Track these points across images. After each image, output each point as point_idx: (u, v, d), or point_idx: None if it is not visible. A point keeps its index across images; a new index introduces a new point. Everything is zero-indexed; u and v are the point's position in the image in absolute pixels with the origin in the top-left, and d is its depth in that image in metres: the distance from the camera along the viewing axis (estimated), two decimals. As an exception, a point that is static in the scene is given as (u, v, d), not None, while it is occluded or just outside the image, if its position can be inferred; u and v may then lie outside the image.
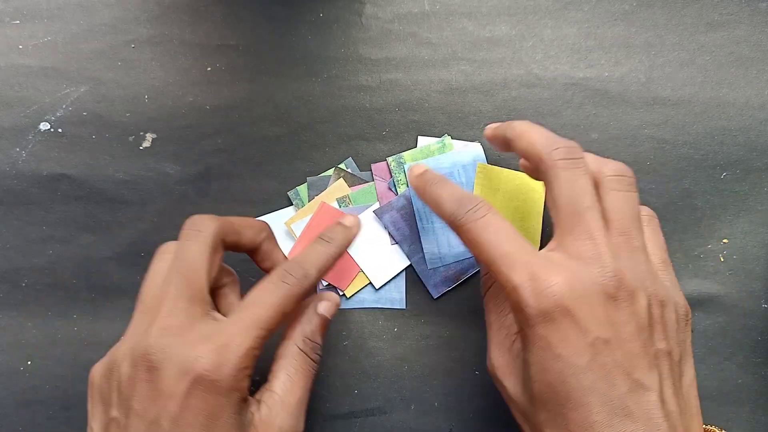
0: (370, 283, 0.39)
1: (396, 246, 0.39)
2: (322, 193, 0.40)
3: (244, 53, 0.41)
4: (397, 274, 0.39)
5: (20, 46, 0.41)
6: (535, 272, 0.26)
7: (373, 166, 0.40)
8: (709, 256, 0.39)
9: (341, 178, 0.40)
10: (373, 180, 0.40)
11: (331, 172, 0.40)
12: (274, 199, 0.40)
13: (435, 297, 0.39)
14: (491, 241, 0.28)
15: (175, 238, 0.40)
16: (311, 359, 0.30)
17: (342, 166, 0.40)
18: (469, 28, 0.41)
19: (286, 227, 0.40)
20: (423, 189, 0.32)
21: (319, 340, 0.31)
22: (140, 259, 0.40)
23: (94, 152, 0.40)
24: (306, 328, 0.31)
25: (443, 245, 0.39)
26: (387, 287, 0.39)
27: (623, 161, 0.39)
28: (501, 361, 0.29)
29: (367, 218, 0.40)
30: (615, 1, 0.41)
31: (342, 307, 0.39)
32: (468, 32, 0.41)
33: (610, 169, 0.30)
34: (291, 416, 0.29)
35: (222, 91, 0.40)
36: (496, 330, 0.30)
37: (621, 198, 0.29)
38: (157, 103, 0.40)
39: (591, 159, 0.30)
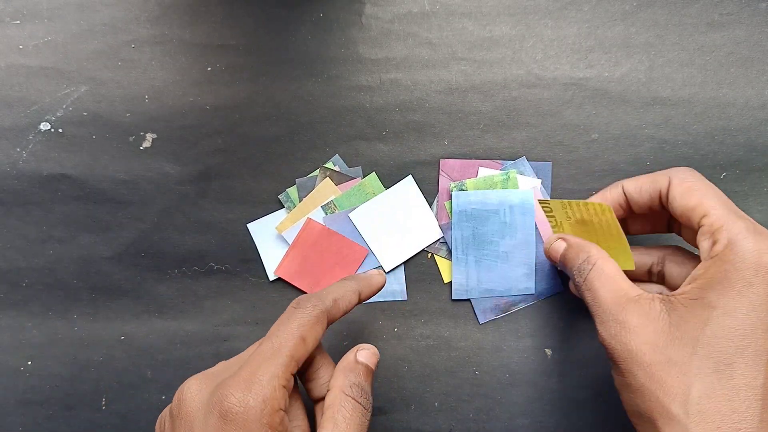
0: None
1: (406, 231, 0.40)
2: (309, 194, 0.40)
3: (244, 53, 0.41)
4: (398, 266, 0.39)
5: (20, 46, 0.41)
6: (759, 230, 0.28)
7: (442, 162, 0.40)
8: (709, 256, 0.39)
9: (327, 177, 0.40)
10: (362, 176, 0.40)
11: (318, 172, 0.40)
12: (274, 200, 0.40)
13: (481, 322, 0.39)
14: (716, 197, 0.30)
15: (175, 238, 0.40)
16: (361, 405, 0.29)
17: (329, 164, 0.40)
18: (469, 28, 0.41)
19: (278, 232, 0.40)
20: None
21: (366, 387, 0.30)
22: (140, 259, 0.40)
23: (95, 152, 0.40)
24: (351, 375, 0.30)
25: (472, 279, 0.39)
26: (387, 279, 0.39)
27: (623, 161, 0.39)
28: (627, 319, 0.29)
29: (375, 204, 0.40)
30: (615, 1, 0.41)
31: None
32: (468, 32, 0.41)
33: None
34: None
35: (222, 91, 0.40)
36: (611, 299, 0.30)
37: None
38: (157, 103, 0.40)
39: None
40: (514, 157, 0.40)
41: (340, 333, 0.39)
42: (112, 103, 0.40)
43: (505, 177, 0.39)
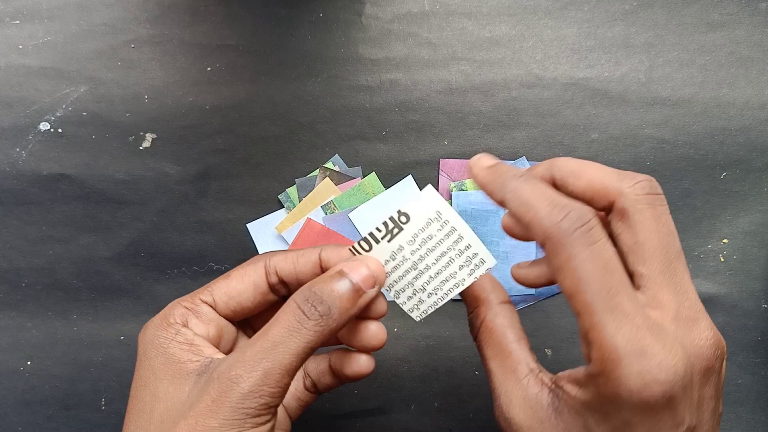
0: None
1: None
2: (309, 194, 0.40)
3: (244, 53, 0.41)
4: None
5: (20, 46, 0.41)
6: (644, 345, 0.21)
7: (441, 162, 0.40)
8: (709, 256, 0.39)
9: (327, 177, 0.40)
10: (362, 176, 0.40)
11: (317, 172, 0.40)
12: (274, 199, 0.40)
13: None
14: (595, 280, 0.22)
15: (174, 238, 0.40)
16: (307, 317, 0.25)
17: (329, 164, 0.40)
18: (469, 28, 0.41)
19: (278, 232, 0.40)
20: (496, 184, 0.25)
21: (326, 297, 0.25)
22: (140, 259, 0.40)
23: (94, 152, 0.40)
24: (316, 283, 0.26)
25: None
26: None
27: (623, 161, 0.39)
28: (514, 412, 0.25)
29: (374, 203, 0.40)
30: (615, 1, 0.41)
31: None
32: (468, 32, 0.41)
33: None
34: (250, 375, 0.24)
35: (222, 91, 0.40)
36: (499, 380, 0.26)
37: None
38: (157, 103, 0.40)
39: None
40: (514, 157, 0.40)
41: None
42: (111, 103, 0.40)
43: None
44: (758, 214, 0.39)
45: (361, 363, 0.29)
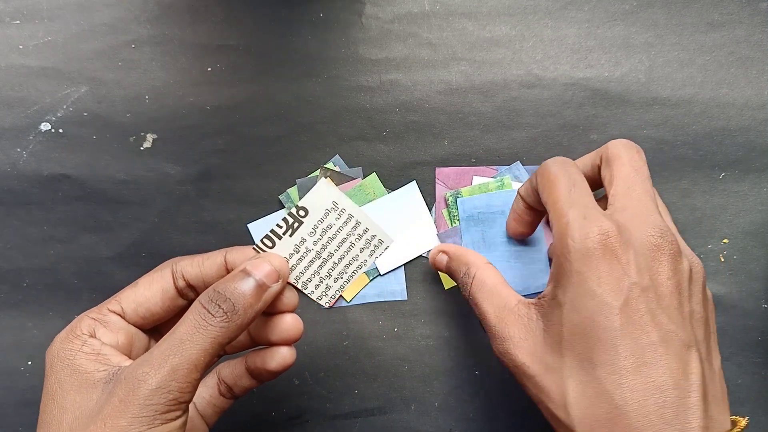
0: (371, 280, 0.39)
1: (405, 236, 0.39)
2: None
3: (244, 53, 0.41)
4: (396, 268, 0.39)
5: (20, 46, 0.41)
6: (589, 215, 0.27)
7: (437, 170, 0.40)
8: (709, 256, 0.39)
9: (328, 178, 0.40)
10: (362, 176, 0.40)
11: (318, 173, 0.40)
12: (275, 200, 0.40)
13: None
14: (560, 187, 0.29)
15: (175, 238, 0.40)
16: (212, 315, 0.26)
17: (330, 164, 0.40)
18: (469, 28, 0.41)
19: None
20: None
21: (231, 294, 0.26)
22: (141, 260, 0.40)
23: (95, 153, 0.40)
24: (220, 283, 0.27)
25: None
26: (387, 280, 0.39)
27: (623, 161, 0.39)
28: (510, 333, 0.29)
29: (377, 206, 0.40)
30: (615, 1, 0.41)
31: (345, 304, 0.39)
32: (468, 32, 0.41)
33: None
34: (157, 372, 0.24)
35: (222, 91, 0.40)
36: (494, 314, 0.30)
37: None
38: (158, 104, 0.40)
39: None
40: (513, 158, 0.40)
41: (340, 333, 0.39)
42: (112, 104, 0.40)
43: (499, 183, 0.39)
44: (758, 214, 0.39)
45: (284, 354, 0.30)
